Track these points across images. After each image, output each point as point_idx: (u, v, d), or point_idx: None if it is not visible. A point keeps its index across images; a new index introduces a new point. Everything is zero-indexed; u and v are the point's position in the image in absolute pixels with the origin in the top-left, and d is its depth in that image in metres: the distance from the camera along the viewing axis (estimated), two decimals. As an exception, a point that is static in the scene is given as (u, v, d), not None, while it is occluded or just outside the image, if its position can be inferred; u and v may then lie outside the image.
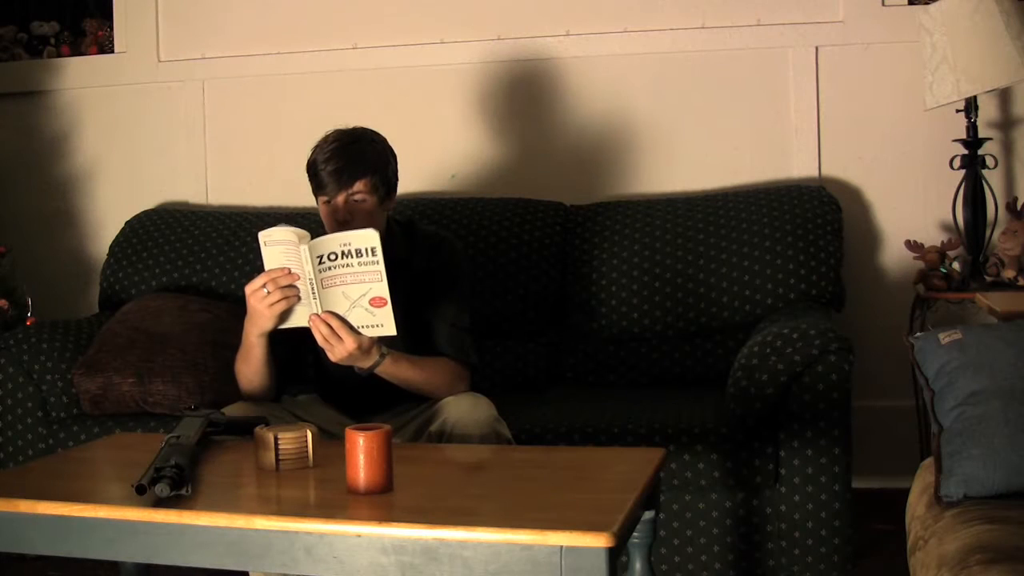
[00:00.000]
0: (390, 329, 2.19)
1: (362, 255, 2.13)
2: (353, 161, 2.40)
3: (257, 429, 2.00)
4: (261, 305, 2.23)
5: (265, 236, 2.19)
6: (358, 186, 2.40)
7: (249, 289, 2.25)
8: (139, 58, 3.80)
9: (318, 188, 2.42)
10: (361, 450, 1.76)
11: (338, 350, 2.21)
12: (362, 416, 2.43)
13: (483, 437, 2.25)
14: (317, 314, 2.19)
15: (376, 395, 2.43)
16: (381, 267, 2.13)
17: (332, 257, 2.14)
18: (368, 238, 2.13)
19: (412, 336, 2.48)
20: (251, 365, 2.39)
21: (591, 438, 2.59)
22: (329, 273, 2.15)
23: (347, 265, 2.14)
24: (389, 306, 2.16)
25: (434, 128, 3.58)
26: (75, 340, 3.07)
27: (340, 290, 2.17)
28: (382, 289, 2.15)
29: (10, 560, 2.89)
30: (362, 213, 2.41)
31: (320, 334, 2.21)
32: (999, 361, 1.86)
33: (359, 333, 2.20)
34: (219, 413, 2.21)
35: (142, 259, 3.42)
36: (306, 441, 1.96)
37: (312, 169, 2.43)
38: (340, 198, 2.39)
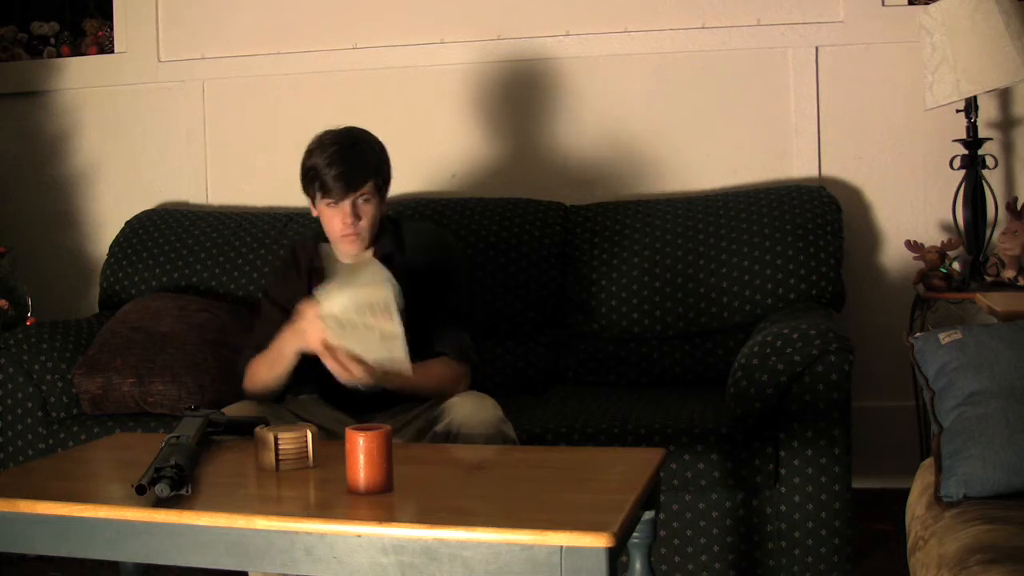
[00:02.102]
0: (405, 365, 2.22)
1: (376, 310, 2.18)
2: (358, 164, 2.42)
3: (257, 429, 2.00)
4: (316, 334, 2.24)
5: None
6: (364, 189, 2.41)
7: (311, 314, 2.25)
8: (139, 58, 3.80)
9: (323, 192, 2.42)
10: (361, 450, 1.76)
11: (346, 377, 2.24)
12: (363, 416, 2.43)
13: (489, 438, 2.25)
14: (331, 345, 2.23)
15: (377, 395, 2.43)
16: (396, 320, 2.17)
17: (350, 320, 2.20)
18: (385, 299, 2.17)
19: (410, 336, 2.48)
20: (275, 372, 2.40)
21: (591, 438, 2.59)
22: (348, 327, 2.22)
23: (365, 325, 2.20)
24: (403, 344, 2.20)
25: (434, 128, 3.58)
26: (75, 340, 3.07)
27: (358, 334, 2.21)
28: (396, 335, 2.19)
29: (10, 560, 2.89)
30: (368, 214, 2.44)
31: (336, 364, 2.23)
32: (999, 361, 1.87)
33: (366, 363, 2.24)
34: (219, 413, 2.21)
35: (142, 259, 3.42)
36: (306, 441, 1.96)
37: (313, 174, 2.43)
38: (347, 202, 2.41)
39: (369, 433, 1.77)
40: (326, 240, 2.54)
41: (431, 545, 1.60)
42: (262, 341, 2.46)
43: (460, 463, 2.13)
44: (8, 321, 3.25)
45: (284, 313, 2.42)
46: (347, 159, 2.41)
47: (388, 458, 1.78)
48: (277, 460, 1.94)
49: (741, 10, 3.43)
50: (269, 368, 2.41)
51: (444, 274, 2.53)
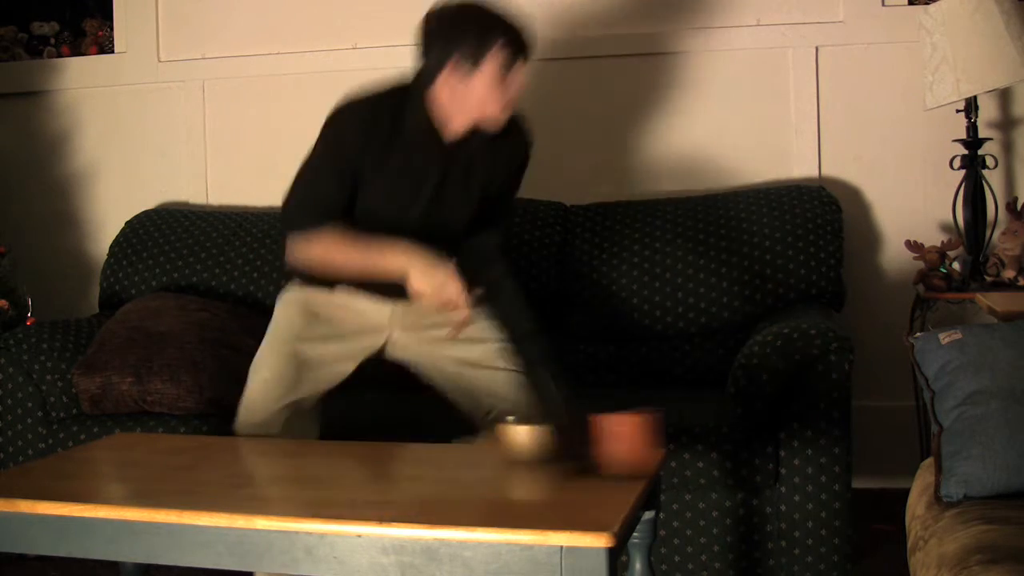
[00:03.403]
0: None
1: None
2: None
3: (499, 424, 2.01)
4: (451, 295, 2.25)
5: None
6: None
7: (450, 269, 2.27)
8: (139, 58, 3.80)
9: (516, 55, 2.31)
10: (625, 434, 1.83)
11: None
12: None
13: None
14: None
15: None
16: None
17: None
18: None
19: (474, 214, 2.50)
20: (353, 267, 2.34)
21: (591, 438, 2.59)
22: None
23: None
24: None
25: (434, 128, 3.57)
26: (75, 340, 3.07)
27: None
28: None
29: (10, 560, 2.89)
30: None
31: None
32: (999, 361, 1.87)
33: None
34: None
35: (142, 259, 3.42)
36: (550, 436, 1.98)
37: (500, 35, 2.29)
38: (522, 70, 2.35)
39: (636, 417, 1.84)
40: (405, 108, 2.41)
41: (431, 545, 1.60)
42: (325, 204, 2.36)
43: (460, 463, 2.13)
44: (8, 321, 3.25)
45: (353, 173, 2.35)
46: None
47: (650, 441, 1.85)
48: (524, 451, 1.95)
49: (741, 10, 3.43)
50: (348, 258, 2.34)
51: (519, 167, 2.57)
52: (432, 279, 2.27)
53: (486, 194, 2.50)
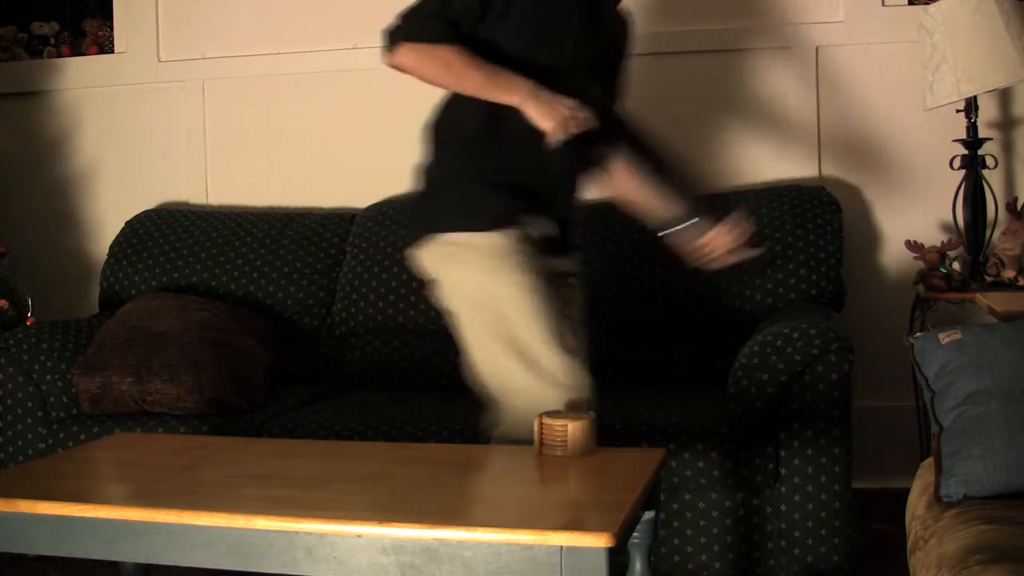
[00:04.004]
0: None
1: None
2: None
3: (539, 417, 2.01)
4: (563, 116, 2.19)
5: None
6: None
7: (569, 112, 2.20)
8: (139, 58, 3.80)
9: None
10: None
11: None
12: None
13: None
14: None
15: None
16: None
17: None
18: None
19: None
20: (461, 87, 2.25)
21: (591, 438, 2.59)
22: None
23: None
24: None
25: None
26: (75, 340, 3.07)
27: None
28: None
29: (10, 560, 2.89)
30: None
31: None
32: (999, 361, 1.86)
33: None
34: None
35: (142, 259, 3.43)
36: (591, 429, 1.97)
37: None
38: None
39: None
40: None
41: (431, 545, 1.60)
42: (455, 25, 2.24)
43: (461, 463, 2.13)
44: (8, 321, 3.25)
45: (487, 7, 2.23)
46: None
47: None
48: (556, 446, 1.94)
49: (741, 10, 3.43)
50: (465, 79, 2.23)
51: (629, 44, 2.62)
52: (554, 112, 2.19)
53: (617, 58, 2.52)
